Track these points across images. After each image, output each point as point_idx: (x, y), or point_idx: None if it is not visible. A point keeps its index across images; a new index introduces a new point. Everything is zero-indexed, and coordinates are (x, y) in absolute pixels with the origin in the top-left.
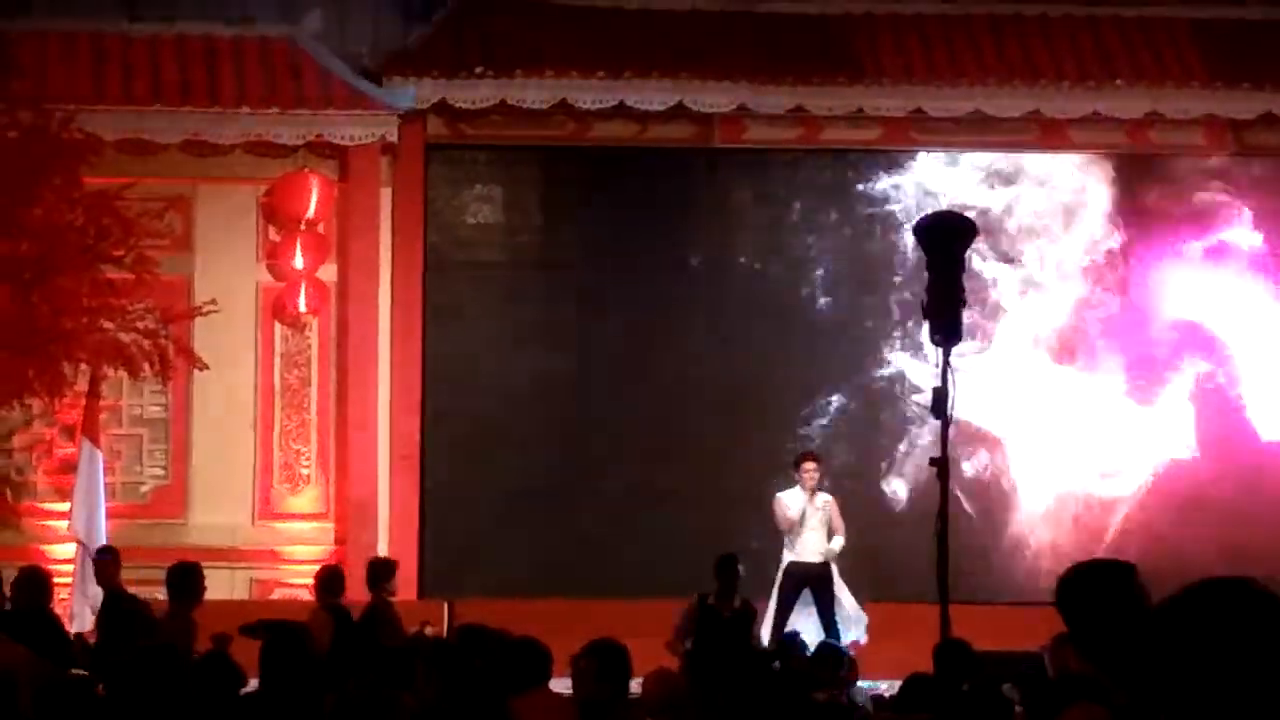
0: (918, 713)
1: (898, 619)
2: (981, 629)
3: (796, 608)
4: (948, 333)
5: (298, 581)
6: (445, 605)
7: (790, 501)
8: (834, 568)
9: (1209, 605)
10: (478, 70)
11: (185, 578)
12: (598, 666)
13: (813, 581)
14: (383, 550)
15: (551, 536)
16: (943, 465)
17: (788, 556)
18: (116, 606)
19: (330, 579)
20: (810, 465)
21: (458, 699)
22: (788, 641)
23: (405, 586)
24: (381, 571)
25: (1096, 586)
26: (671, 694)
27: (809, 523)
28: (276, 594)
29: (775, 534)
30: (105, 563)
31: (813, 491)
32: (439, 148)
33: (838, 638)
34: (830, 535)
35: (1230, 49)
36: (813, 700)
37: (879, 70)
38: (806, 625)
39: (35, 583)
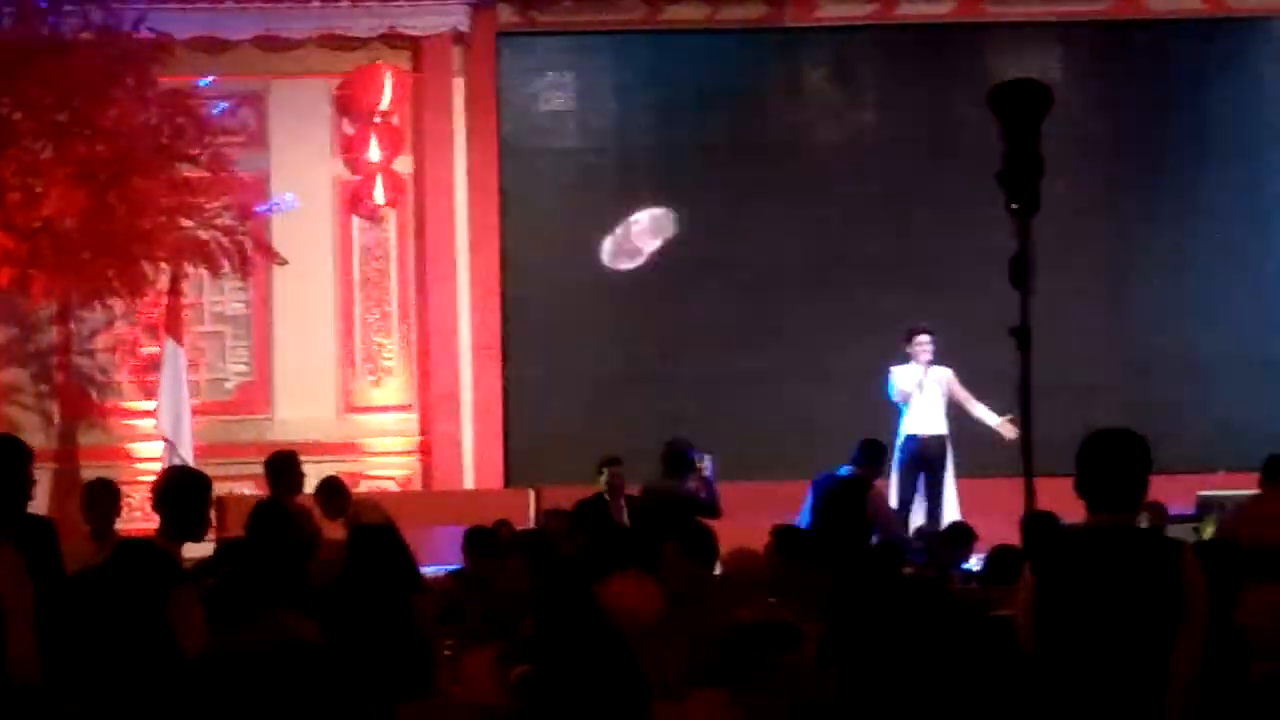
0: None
1: (981, 494)
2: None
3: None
4: (1025, 201)
5: (383, 474)
6: (532, 493)
7: (905, 374)
8: (950, 448)
9: None
10: None
11: (284, 469)
12: (685, 549)
13: (929, 456)
14: (467, 441)
15: (635, 423)
16: (1024, 335)
17: (905, 430)
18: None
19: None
20: (924, 338)
21: (546, 585)
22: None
23: (491, 476)
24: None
25: None
26: (755, 572)
27: (926, 395)
28: (362, 486)
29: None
30: None
31: (928, 364)
32: (511, 35)
33: (938, 521)
34: (947, 410)
35: None
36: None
37: None
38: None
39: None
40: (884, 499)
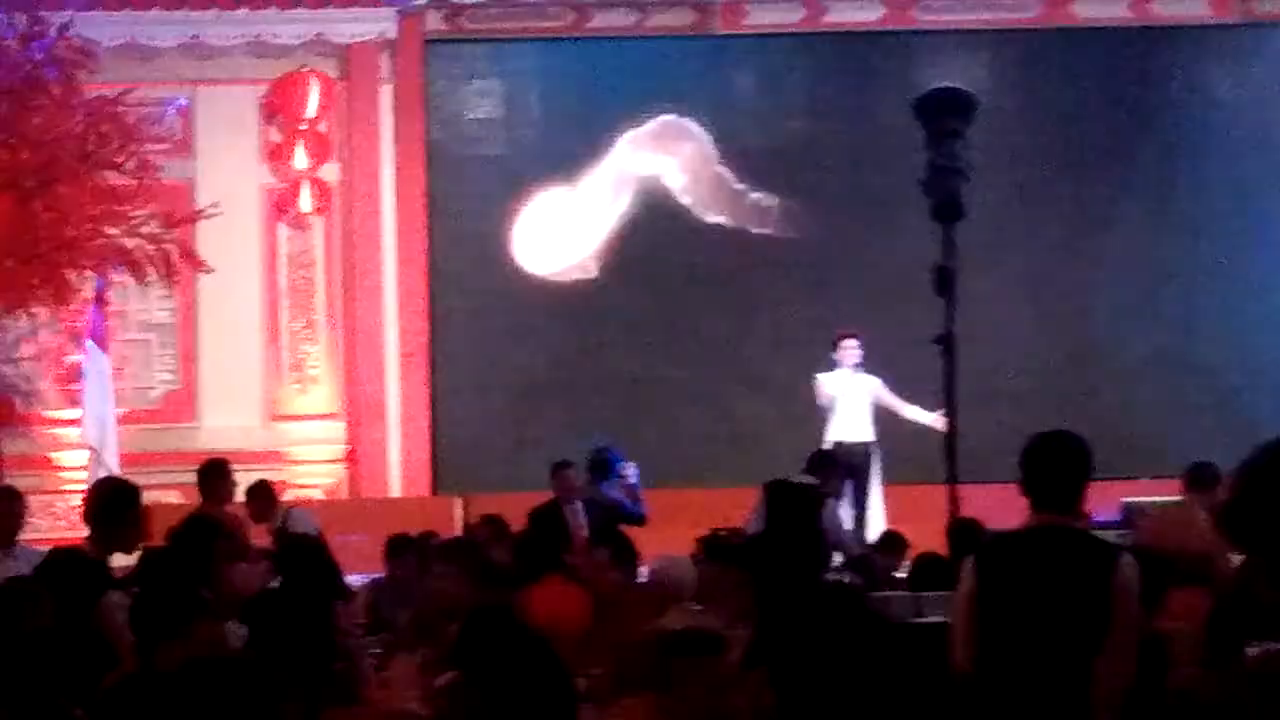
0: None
1: (908, 501)
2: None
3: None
4: (949, 209)
5: (310, 482)
6: (459, 501)
7: (831, 380)
8: (876, 454)
9: None
10: None
11: (214, 478)
12: (610, 556)
13: (856, 463)
14: (394, 448)
15: (563, 429)
16: (948, 343)
17: (831, 436)
18: None
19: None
20: (850, 343)
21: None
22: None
23: (418, 484)
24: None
25: None
26: (681, 579)
27: (851, 401)
28: (289, 495)
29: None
30: None
31: (854, 368)
32: (438, 42)
33: (864, 527)
34: (874, 416)
35: None
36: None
37: None
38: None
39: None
40: (836, 513)
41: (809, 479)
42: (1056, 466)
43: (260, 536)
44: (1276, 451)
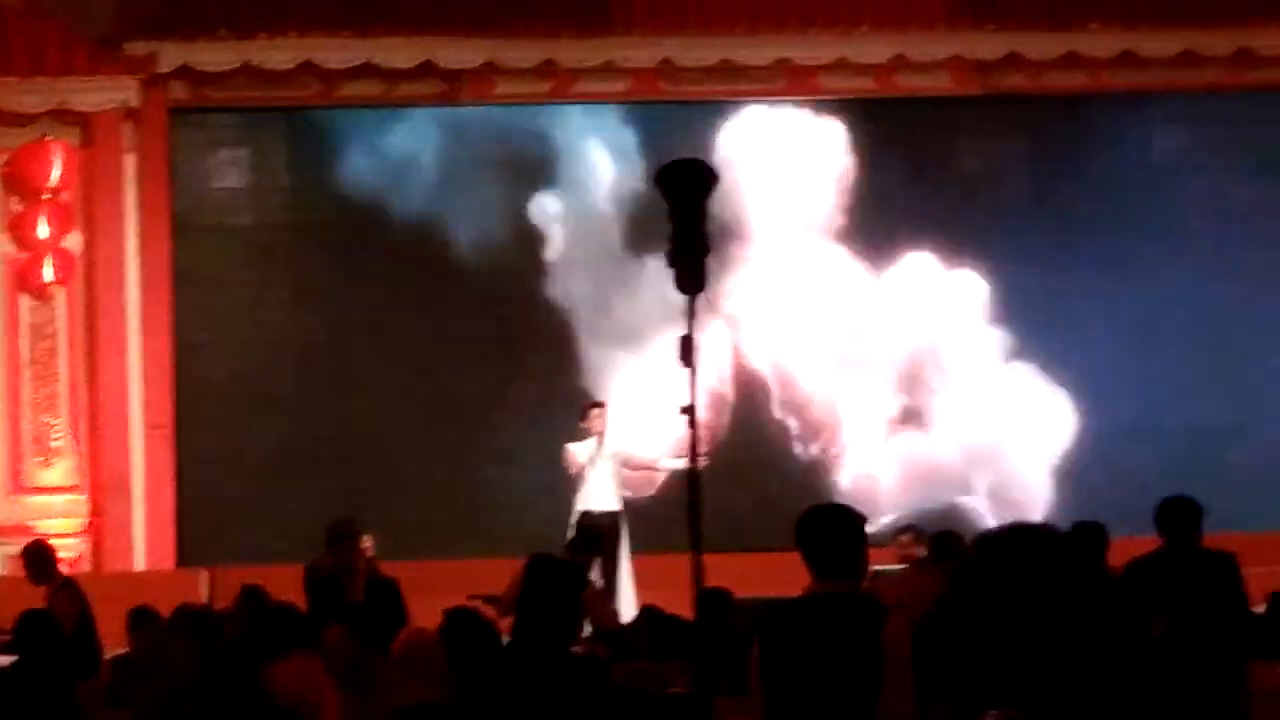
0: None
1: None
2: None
3: None
4: (692, 281)
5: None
6: (205, 574)
7: (580, 450)
8: (624, 524)
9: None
10: (219, 32)
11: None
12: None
13: (604, 534)
14: (139, 522)
15: (311, 501)
16: (692, 413)
17: (579, 506)
18: None
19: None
20: (598, 411)
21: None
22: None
23: (163, 557)
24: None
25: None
26: (427, 652)
27: (599, 471)
28: None
29: (544, 486)
30: None
31: (601, 436)
32: (182, 111)
33: (614, 596)
34: (619, 486)
35: None
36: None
37: (628, 21)
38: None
39: None
40: (597, 589)
41: (571, 555)
42: (832, 538)
43: (39, 599)
44: (1013, 532)
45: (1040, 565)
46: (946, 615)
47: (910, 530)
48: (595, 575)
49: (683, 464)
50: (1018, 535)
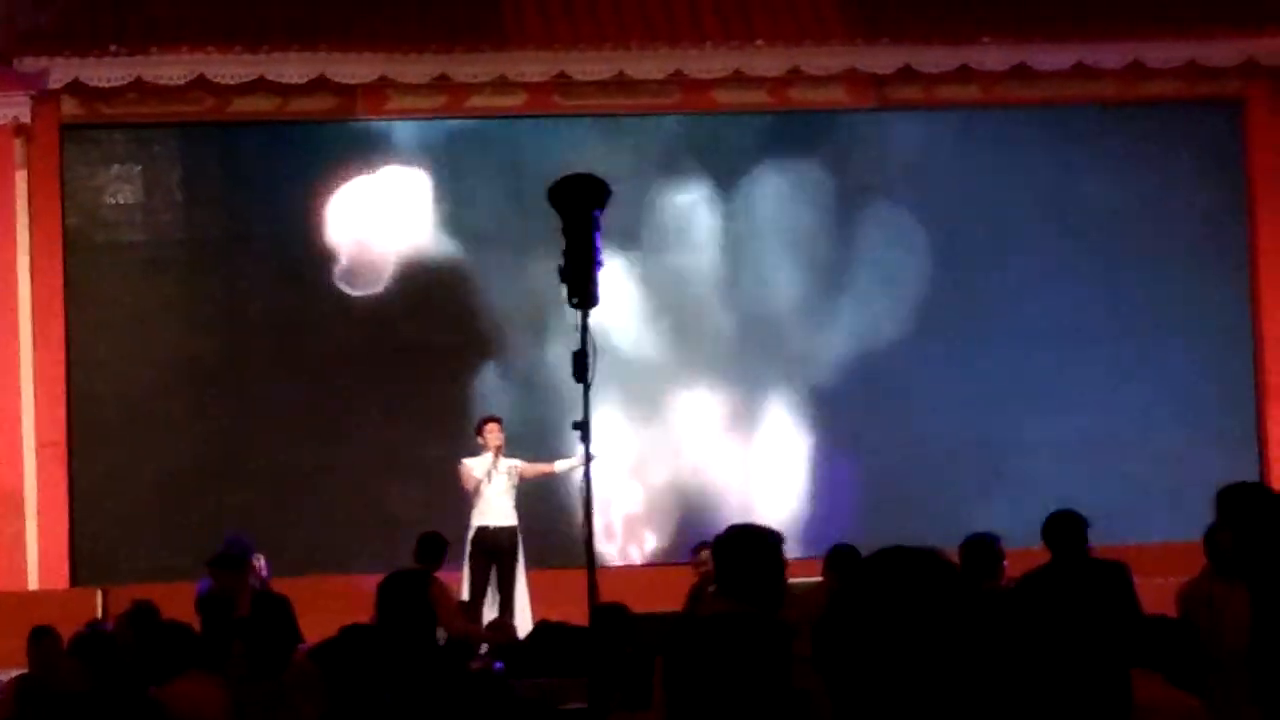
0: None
1: (552, 585)
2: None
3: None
4: (585, 296)
5: None
6: (99, 593)
7: (475, 465)
8: (520, 539)
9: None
10: (111, 48)
11: None
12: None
13: (500, 549)
14: (31, 540)
15: (206, 518)
16: (585, 428)
17: (475, 522)
18: None
19: None
20: (493, 426)
21: (104, 688)
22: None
23: (57, 576)
24: None
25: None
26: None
27: (495, 486)
28: None
29: (440, 502)
30: None
31: (497, 452)
32: (74, 127)
33: (511, 614)
34: (517, 499)
35: (869, 3)
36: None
37: (522, 35)
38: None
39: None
40: (446, 592)
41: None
42: (741, 558)
43: None
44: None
45: (908, 588)
46: (820, 637)
47: (706, 547)
48: (492, 589)
49: (577, 462)
50: (888, 558)
